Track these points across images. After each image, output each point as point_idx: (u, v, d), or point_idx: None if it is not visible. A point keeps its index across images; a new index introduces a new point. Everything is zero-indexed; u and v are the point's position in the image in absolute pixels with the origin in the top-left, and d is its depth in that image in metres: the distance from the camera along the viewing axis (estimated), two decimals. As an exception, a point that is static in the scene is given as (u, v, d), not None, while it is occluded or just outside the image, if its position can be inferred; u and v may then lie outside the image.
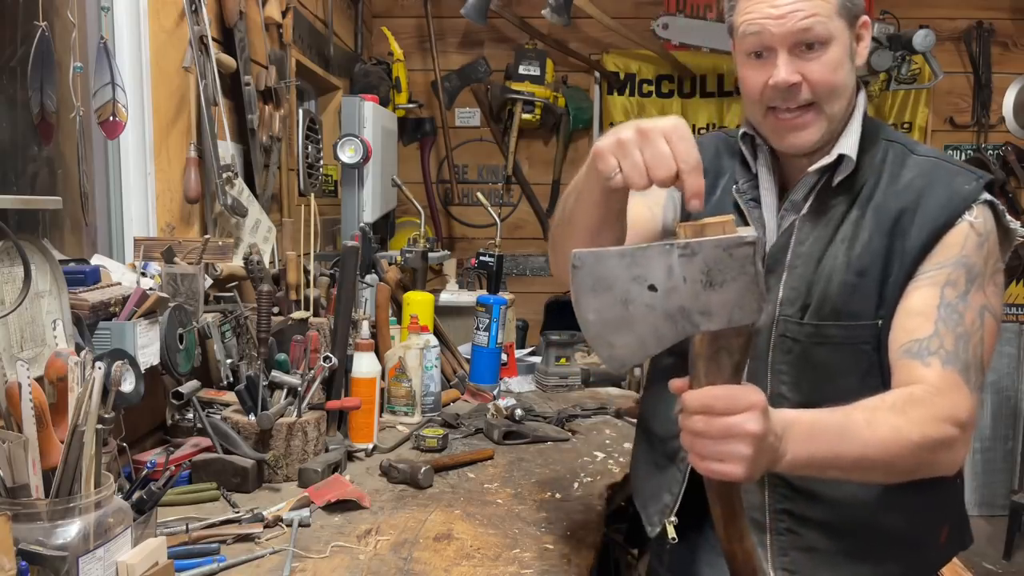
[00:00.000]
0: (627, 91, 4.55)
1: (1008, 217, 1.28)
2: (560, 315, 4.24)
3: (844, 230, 1.28)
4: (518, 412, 2.01)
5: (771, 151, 1.36)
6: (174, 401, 1.65)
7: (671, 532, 1.33)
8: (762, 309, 0.95)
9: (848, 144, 1.28)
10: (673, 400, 1.05)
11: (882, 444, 1.09)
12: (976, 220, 1.23)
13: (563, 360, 2.48)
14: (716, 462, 0.96)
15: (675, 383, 1.02)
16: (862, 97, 1.33)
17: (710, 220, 0.95)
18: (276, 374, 1.73)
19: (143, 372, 1.50)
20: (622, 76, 4.51)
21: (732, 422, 0.95)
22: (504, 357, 2.47)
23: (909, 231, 1.24)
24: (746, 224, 1.34)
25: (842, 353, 1.26)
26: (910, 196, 1.26)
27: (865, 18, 1.29)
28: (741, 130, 1.39)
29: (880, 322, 1.24)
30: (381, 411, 2.00)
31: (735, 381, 0.98)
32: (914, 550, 1.33)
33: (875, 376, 1.24)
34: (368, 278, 2.39)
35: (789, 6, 1.22)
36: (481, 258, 2.74)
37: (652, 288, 0.96)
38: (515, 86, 4.24)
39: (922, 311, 1.21)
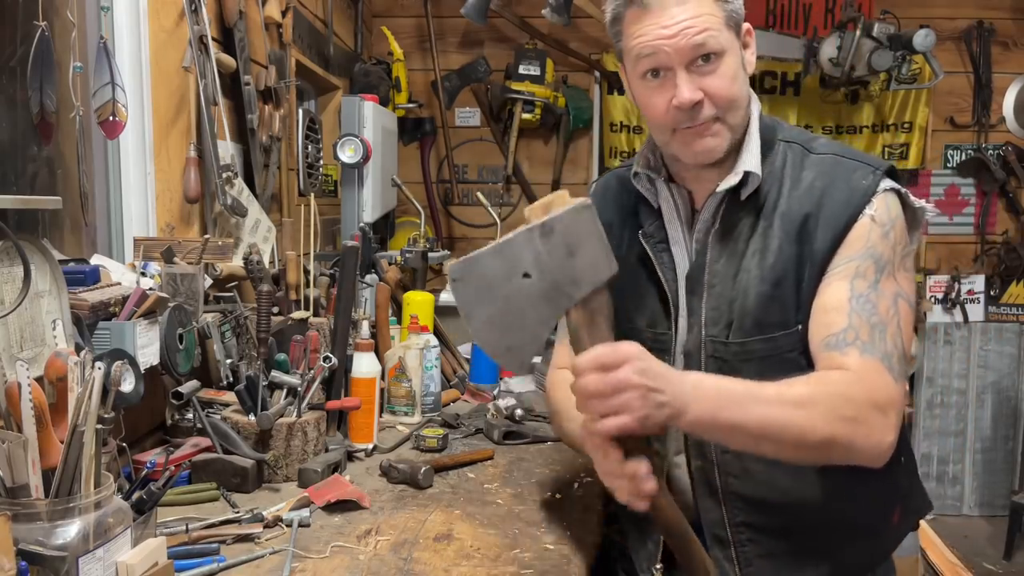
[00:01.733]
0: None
1: (912, 198, 1.31)
2: (560, 315, 4.24)
3: (754, 243, 1.29)
4: (518, 412, 2.00)
5: (670, 180, 1.38)
6: (174, 401, 1.65)
7: None
8: (613, 261, 1.05)
9: (751, 160, 1.29)
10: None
11: (790, 410, 1.11)
12: (877, 212, 1.25)
13: (563, 360, 2.48)
14: (613, 417, 1.02)
15: (570, 362, 1.06)
16: (755, 106, 1.35)
17: (550, 197, 1.05)
18: (276, 374, 1.72)
19: (143, 372, 1.50)
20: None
21: (622, 374, 1.01)
22: (504, 357, 2.47)
23: (815, 234, 1.25)
24: (654, 268, 1.38)
25: (768, 365, 1.27)
26: (813, 199, 1.27)
27: (748, 26, 1.30)
28: (633, 170, 1.39)
29: (800, 327, 1.26)
30: (381, 411, 1.99)
31: (612, 339, 1.06)
32: (870, 537, 1.36)
33: None
34: (368, 278, 2.39)
35: (680, 24, 1.22)
36: (481, 258, 2.73)
37: (526, 275, 1.05)
38: (515, 86, 4.24)
39: (835, 306, 1.23)
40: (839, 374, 1.18)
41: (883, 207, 1.25)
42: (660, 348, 1.36)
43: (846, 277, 1.23)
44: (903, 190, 1.30)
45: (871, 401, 1.16)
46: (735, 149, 1.31)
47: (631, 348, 1.03)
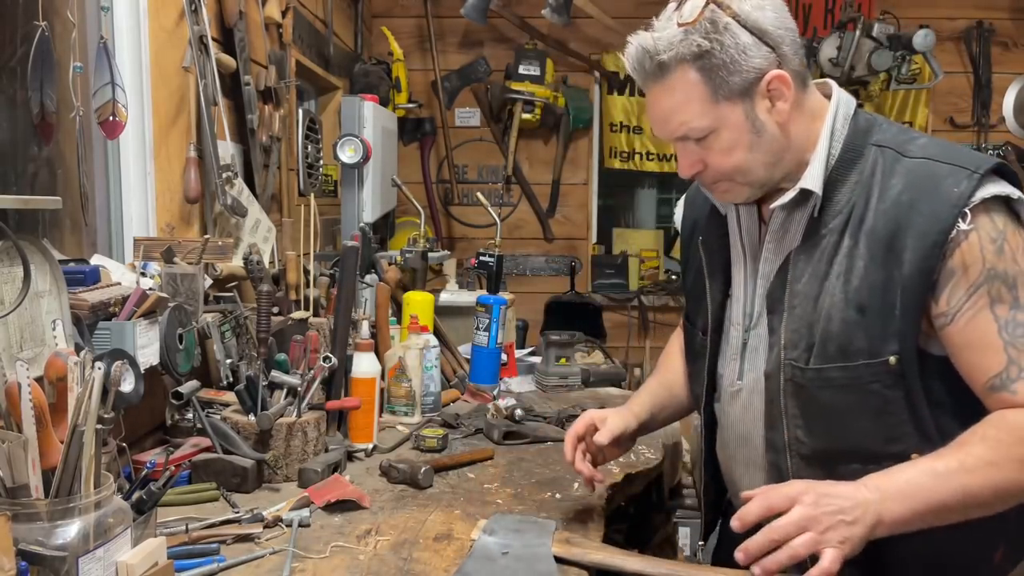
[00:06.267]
0: (627, 91, 4.55)
1: None
2: (560, 315, 4.24)
3: (839, 263, 1.21)
4: (518, 412, 2.01)
5: None
6: (174, 401, 1.65)
7: None
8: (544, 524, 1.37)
9: (811, 176, 1.22)
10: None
11: (982, 474, 1.10)
12: (980, 227, 1.13)
13: (563, 360, 2.48)
14: (826, 550, 1.06)
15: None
16: (827, 122, 1.24)
17: None
18: (276, 374, 1.72)
19: (143, 372, 1.49)
20: (622, 76, 4.51)
21: (799, 513, 1.07)
22: (504, 357, 2.47)
23: (903, 257, 1.15)
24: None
25: (847, 395, 1.21)
26: (899, 215, 1.17)
27: (770, 75, 1.18)
28: None
29: (893, 359, 1.17)
30: (381, 411, 1.99)
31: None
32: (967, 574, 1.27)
33: (895, 414, 1.19)
34: (368, 278, 2.39)
35: (663, 112, 1.24)
36: (481, 258, 2.73)
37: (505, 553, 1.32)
38: (515, 86, 4.24)
39: (986, 343, 1.14)
40: (1013, 415, 1.13)
41: (985, 220, 1.14)
42: (703, 354, 1.40)
43: (984, 307, 1.14)
44: (1013, 195, 1.15)
45: None
46: (787, 179, 1.25)
47: (797, 485, 1.10)
